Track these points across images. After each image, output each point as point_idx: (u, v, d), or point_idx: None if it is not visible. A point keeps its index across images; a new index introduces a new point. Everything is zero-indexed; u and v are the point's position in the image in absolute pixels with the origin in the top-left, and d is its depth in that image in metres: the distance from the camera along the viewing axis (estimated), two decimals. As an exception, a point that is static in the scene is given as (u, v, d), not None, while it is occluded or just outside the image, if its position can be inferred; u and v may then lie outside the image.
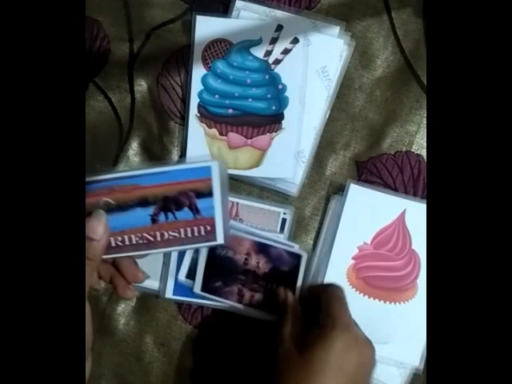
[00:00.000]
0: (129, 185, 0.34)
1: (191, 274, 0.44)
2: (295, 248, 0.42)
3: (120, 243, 0.34)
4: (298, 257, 0.42)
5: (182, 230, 0.35)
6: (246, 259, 0.41)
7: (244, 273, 0.42)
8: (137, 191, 0.34)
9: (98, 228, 0.33)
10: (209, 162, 0.34)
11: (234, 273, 0.42)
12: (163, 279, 0.45)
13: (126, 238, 0.34)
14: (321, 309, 0.39)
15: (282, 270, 0.42)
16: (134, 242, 0.34)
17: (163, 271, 0.45)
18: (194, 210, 0.34)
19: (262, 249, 0.41)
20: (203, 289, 0.43)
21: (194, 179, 0.34)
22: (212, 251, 0.41)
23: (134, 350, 0.47)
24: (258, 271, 0.42)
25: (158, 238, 0.34)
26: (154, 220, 0.34)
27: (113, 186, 0.34)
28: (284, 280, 0.42)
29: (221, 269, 0.42)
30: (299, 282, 0.43)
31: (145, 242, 0.34)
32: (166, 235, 0.34)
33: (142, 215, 0.34)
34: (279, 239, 0.44)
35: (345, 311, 0.38)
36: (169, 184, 0.34)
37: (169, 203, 0.34)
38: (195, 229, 0.34)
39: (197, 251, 0.43)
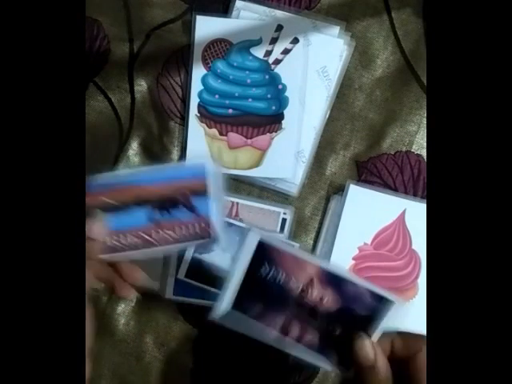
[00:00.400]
0: (126, 184, 0.34)
1: (190, 274, 0.44)
2: (384, 292, 0.31)
3: (117, 243, 0.34)
4: (383, 301, 0.30)
5: (177, 229, 0.34)
6: (303, 290, 0.31)
7: (297, 305, 0.31)
8: (133, 191, 0.34)
9: (95, 227, 0.33)
10: (203, 160, 0.34)
11: (282, 301, 0.31)
12: (163, 279, 0.45)
13: (123, 238, 0.34)
14: (417, 381, 0.30)
15: (357, 314, 0.31)
16: (131, 242, 0.34)
17: (163, 271, 0.45)
18: (190, 208, 0.34)
19: (333, 281, 0.30)
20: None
21: (189, 178, 0.34)
22: (255, 269, 0.31)
23: (133, 350, 0.47)
24: (319, 307, 0.31)
25: (155, 238, 0.34)
26: (150, 219, 0.34)
27: (110, 186, 0.34)
28: (357, 328, 0.31)
29: (263, 293, 0.32)
30: (376, 336, 0.31)
31: (141, 241, 0.34)
32: (163, 234, 0.34)
33: (139, 215, 0.34)
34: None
35: None
36: (165, 183, 0.34)
37: (165, 202, 0.34)
38: (191, 227, 0.34)
39: (199, 252, 0.42)
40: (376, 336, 0.31)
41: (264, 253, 0.31)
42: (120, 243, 0.34)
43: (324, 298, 0.31)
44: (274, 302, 0.32)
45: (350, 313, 0.31)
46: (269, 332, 0.32)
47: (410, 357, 0.30)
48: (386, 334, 0.31)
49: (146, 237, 0.34)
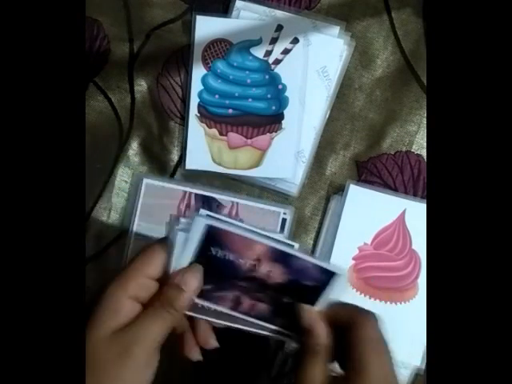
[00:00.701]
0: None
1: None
2: (329, 264, 0.32)
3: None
4: (329, 274, 0.32)
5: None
6: (253, 265, 0.32)
7: (247, 280, 0.33)
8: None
9: (193, 283, 0.32)
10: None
11: (232, 278, 0.33)
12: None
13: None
14: (348, 352, 0.30)
15: (303, 285, 0.32)
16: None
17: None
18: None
19: (280, 258, 0.32)
20: None
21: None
22: (205, 250, 0.33)
23: (134, 350, 0.47)
24: (267, 281, 0.33)
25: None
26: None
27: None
28: (302, 299, 0.33)
29: (214, 271, 0.33)
30: (320, 307, 0.33)
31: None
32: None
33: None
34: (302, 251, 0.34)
35: (382, 362, 0.30)
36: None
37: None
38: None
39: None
40: (322, 305, 0.33)
41: (213, 236, 0.32)
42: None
43: (272, 272, 0.33)
44: (225, 279, 0.34)
45: (298, 284, 0.33)
46: (221, 306, 0.34)
47: (350, 326, 0.31)
48: (330, 304, 0.33)
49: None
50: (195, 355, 0.35)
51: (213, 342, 0.35)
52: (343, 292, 0.33)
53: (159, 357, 0.32)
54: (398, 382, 0.30)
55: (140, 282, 0.31)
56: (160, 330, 0.31)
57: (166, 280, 0.32)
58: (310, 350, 0.31)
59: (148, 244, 0.33)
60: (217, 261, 0.33)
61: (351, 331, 0.31)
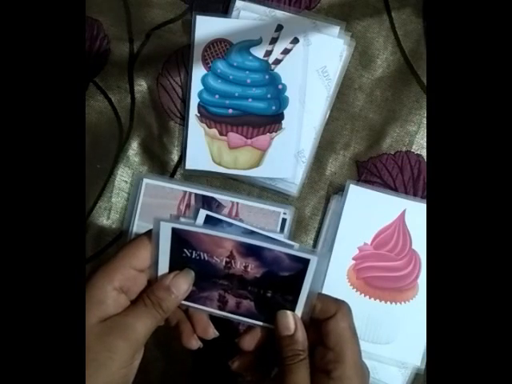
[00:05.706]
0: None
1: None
2: (299, 250, 0.32)
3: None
4: (303, 261, 0.32)
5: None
6: (227, 262, 0.33)
7: (226, 278, 0.33)
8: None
9: (182, 286, 0.32)
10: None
11: (211, 277, 0.34)
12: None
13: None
14: (325, 342, 0.32)
15: (281, 276, 0.32)
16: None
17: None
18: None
19: (251, 251, 0.32)
20: None
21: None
22: (179, 253, 0.33)
23: (134, 350, 0.47)
24: (245, 276, 0.33)
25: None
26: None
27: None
28: (284, 290, 0.33)
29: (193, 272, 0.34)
30: (304, 295, 0.32)
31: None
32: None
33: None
34: (276, 238, 0.35)
35: (356, 350, 0.31)
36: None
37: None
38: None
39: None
40: (304, 293, 0.32)
41: (181, 238, 0.32)
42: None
43: (248, 266, 0.33)
44: (205, 279, 0.34)
45: (275, 276, 0.32)
46: (209, 307, 0.35)
47: (326, 317, 0.32)
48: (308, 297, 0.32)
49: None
50: (194, 344, 0.35)
51: (211, 331, 0.35)
52: (322, 276, 0.33)
53: (143, 351, 0.32)
54: (365, 369, 0.32)
55: (126, 273, 0.31)
56: (146, 327, 0.31)
57: (155, 280, 0.33)
58: (293, 356, 0.31)
59: (135, 236, 0.33)
60: (193, 262, 0.33)
61: (329, 321, 0.31)
